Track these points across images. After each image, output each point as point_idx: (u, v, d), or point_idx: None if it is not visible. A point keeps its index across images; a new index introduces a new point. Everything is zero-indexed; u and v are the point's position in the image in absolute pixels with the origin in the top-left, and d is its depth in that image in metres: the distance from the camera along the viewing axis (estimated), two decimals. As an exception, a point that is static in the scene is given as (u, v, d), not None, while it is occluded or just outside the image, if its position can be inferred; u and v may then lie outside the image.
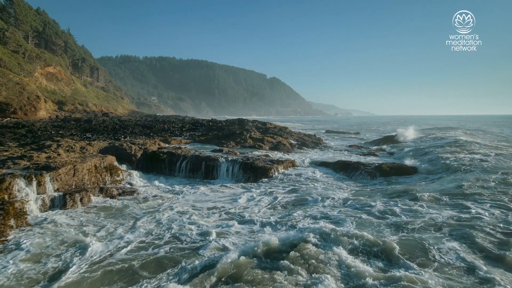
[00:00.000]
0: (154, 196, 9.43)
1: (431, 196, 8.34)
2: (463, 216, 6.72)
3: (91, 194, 8.41)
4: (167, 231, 6.43)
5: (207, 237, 6.16)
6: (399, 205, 7.76)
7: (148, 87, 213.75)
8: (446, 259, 4.79)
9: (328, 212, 7.60)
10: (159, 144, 15.38)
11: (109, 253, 5.38)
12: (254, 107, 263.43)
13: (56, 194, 7.76)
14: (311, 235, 5.79)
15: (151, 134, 20.31)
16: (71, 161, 9.04)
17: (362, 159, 14.88)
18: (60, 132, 18.03)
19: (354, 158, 15.34)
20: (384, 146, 21.13)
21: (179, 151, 13.47)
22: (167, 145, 16.40)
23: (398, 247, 5.08)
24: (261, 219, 7.27)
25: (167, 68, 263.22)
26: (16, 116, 28.12)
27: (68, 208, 7.63)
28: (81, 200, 7.97)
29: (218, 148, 15.68)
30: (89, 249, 5.49)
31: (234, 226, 6.86)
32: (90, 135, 17.44)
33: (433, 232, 5.99)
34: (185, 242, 5.89)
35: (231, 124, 27.01)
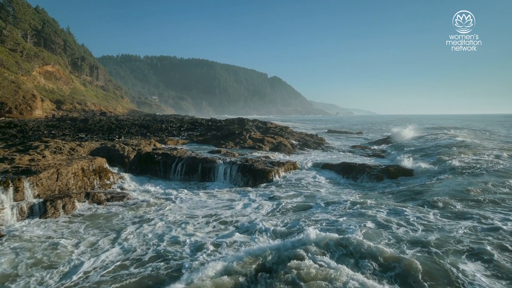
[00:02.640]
0: (146, 202, 8.77)
1: (444, 202, 7.64)
2: (483, 227, 6.02)
3: (75, 200, 7.76)
4: (155, 246, 5.75)
5: (201, 252, 5.49)
6: (410, 212, 7.07)
7: (149, 86, 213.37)
8: None
9: (333, 220, 6.92)
10: (154, 145, 14.72)
11: (85, 275, 4.70)
12: (255, 106, 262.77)
13: (35, 200, 7.11)
14: (313, 248, 5.14)
15: (148, 134, 19.68)
16: (55, 164, 8.38)
17: (367, 161, 14.18)
18: (53, 132, 17.39)
19: (358, 159, 14.64)
20: (389, 146, 20.40)
21: (175, 152, 12.81)
22: (163, 145, 15.76)
23: (420, 268, 4.36)
24: (259, 228, 6.60)
25: (168, 67, 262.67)
26: (11, 115, 27.53)
27: (48, 217, 6.98)
28: (63, 207, 7.31)
29: (216, 149, 15.02)
30: (64, 269, 4.82)
31: (231, 238, 6.19)
32: (84, 135, 16.81)
33: (452, 245, 5.29)
34: (174, 258, 5.22)
35: (231, 124, 26.33)
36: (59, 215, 7.13)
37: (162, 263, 5.03)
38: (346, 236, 5.70)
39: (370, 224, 6.48)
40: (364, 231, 6.05)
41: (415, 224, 6.37)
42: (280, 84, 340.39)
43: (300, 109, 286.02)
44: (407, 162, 12.92)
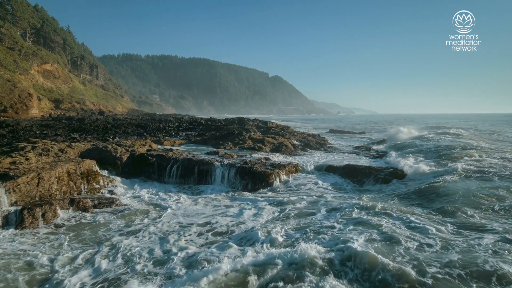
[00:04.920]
0: (137, 208, 8.14)
1: (458, 211, 6.98)
2: (508, 243, 5.35)
3: (58, 208, 7.12)
4: (139, 263, 5.09)
5: (189, 270, 4.85)
6: (423, 223, 6.40)
7: (150, 85, 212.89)
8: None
9: (338, 230, 6.27)
10: (150, 146, 14.09)
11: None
12: (256, 105, 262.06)
13: (12, 208, 6.47)
14: (313, 267, 4.53)
15: (145, 134, 19.07)
16: (37, 167, 7.74)
17: (373, 163, 13.49)
18: (45, 132, 16.78)
19: (363, 161, 13.95)
20: (392, 147, 19.68)
21: (170, 153, 12.17)
22: (159, 146, 15.13)
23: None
24: (256, 240, 5.97)
25: (169, 67, 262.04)
26: (6, 114, 26.97)
27: (26, 227, 6.34)
28: (43, 215, 6.68)
29: (214, 150, 14.37)
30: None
31: (224, 251, 5.54)
32: (77, 136, 16.20)
33: (476, 267, 4.61)
34: (153, 278, 4.57)
35: (231, 123, 25.68)
36: (38, 225, 6.50)
37: (142, 285, 4.38)
38: (353, 251, 5.06)
39: (379, 237, 5.82)
40: (375, 245, 5.38)
41: (432, 237, 5.70)
42: (281, 83, 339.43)
43: (301, 109, 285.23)
44: (411, 164, 12.21)
